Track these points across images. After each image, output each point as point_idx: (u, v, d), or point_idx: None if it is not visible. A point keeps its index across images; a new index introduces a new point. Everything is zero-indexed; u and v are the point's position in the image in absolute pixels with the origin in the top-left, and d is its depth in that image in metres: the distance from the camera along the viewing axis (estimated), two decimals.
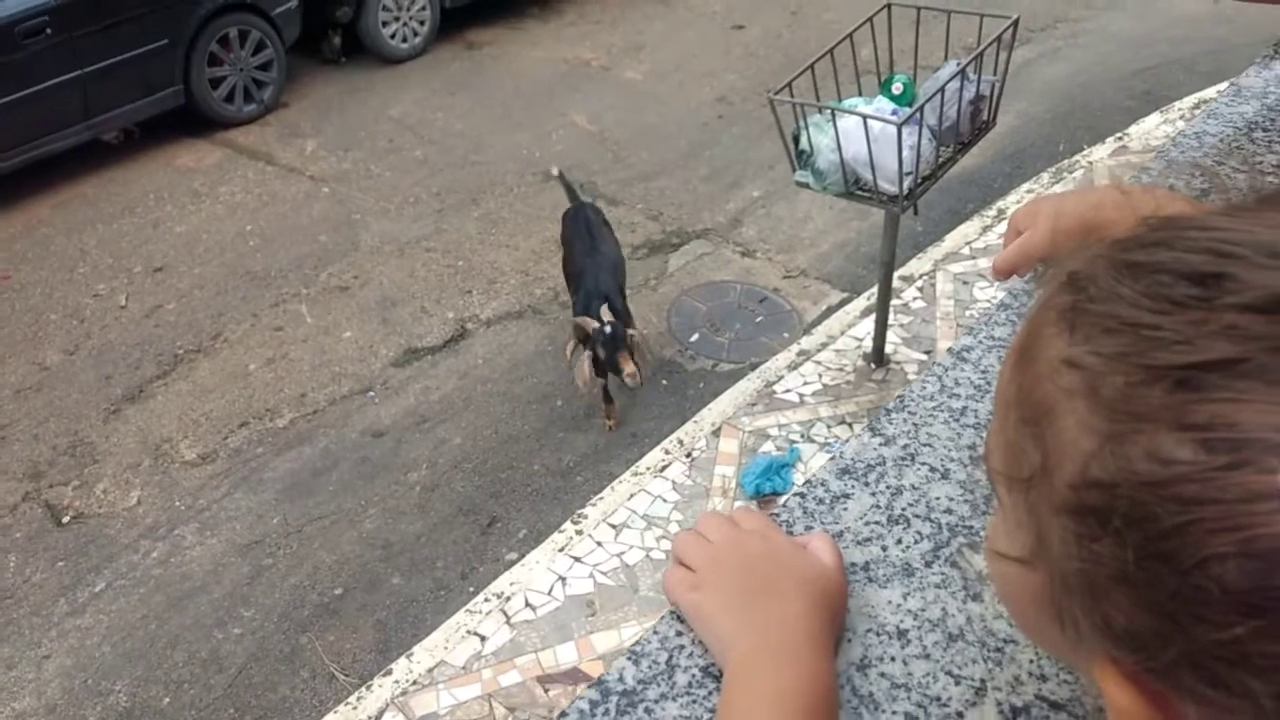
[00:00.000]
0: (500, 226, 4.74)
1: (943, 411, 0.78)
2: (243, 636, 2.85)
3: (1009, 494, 0.39)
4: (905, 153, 2.58)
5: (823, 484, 0.74)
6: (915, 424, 0.78)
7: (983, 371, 0.83)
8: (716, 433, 3.18)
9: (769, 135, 4.60)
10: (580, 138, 5.55)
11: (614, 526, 2.94)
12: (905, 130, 2.54)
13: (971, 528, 0.69)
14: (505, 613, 2.70)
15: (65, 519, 3.30)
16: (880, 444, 0.77)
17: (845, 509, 0.72)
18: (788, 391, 3.31)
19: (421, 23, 6.78)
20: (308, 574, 3.02)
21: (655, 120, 5.64)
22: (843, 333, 3.57)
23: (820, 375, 3.37)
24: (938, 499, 0.71)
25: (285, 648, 2.80)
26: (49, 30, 5.04)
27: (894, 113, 2.63)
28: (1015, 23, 2.68)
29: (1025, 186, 4.30)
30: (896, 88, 2.69)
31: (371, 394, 3.75)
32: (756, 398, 3.31)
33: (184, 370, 3.96)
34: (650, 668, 0.62)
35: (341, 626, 2.85)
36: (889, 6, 2.79)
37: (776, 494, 2.94)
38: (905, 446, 0.76)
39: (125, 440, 3.63)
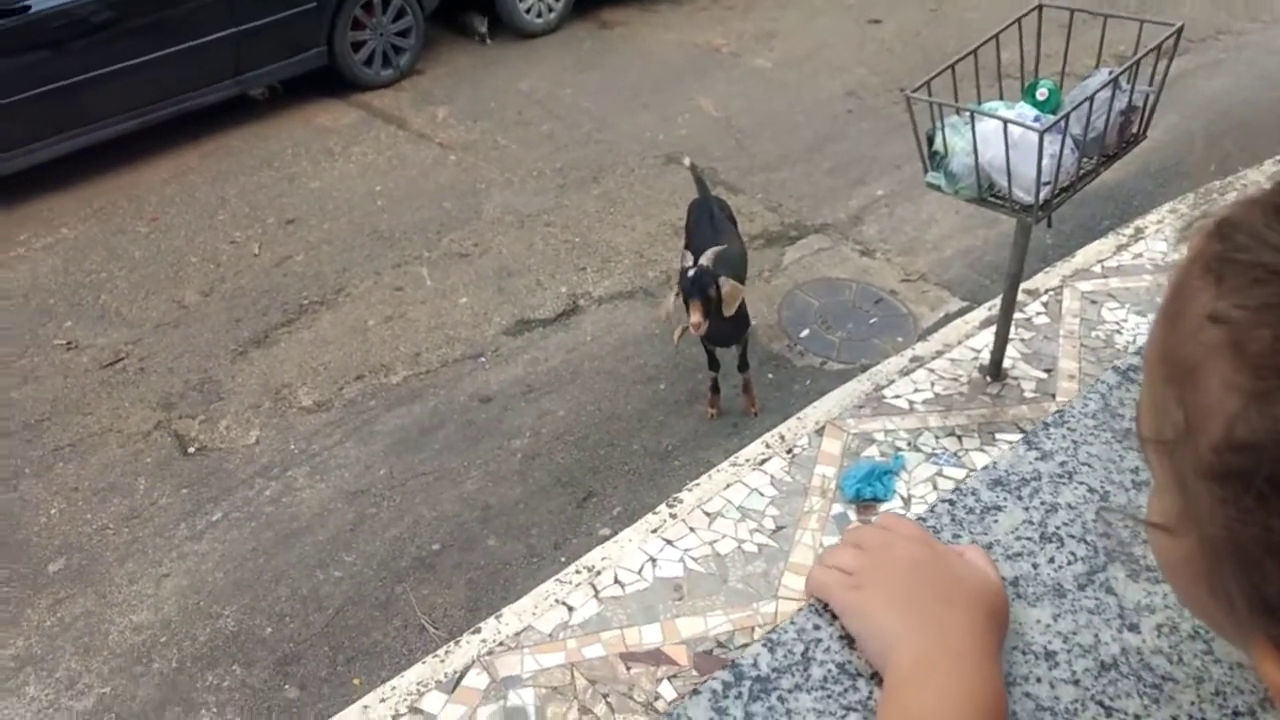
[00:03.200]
0: (619, 206, 4.78)
1: (1105, 431, 0.75)
2: (342, 580, 2.97)
3: (1155, 459, 0.37)
4: (1045, 161, 2.49)
5: (973, 493, 0.72)
6: (1075, 441, 0.75)
7: None
8: (820, 431, 3.15)
9: (898, 133, 4.52)
10: (705, 123, 5.54)
11: (708, 514, 2.94)
12: (1047, 138, 2.45)
13: (1132, 554, 0.66)
14: (594, 586, 2.74)
15: (191, 450, 3.49)
16: (1036, 458, 0.74)
17: (996, 521, 0.70)
18: (897, 397, 3.25)
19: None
20: (408, 527, 3.12)
21: (782, 110, 5.58)
22: (959, 342, 3.48)
23: (932, 383, 3.30)
24: (1095, 521, 0.69)
25: (381, 595, 2.91)
26: None
27: (1036, 119, 2.54)
28: (1179, 31, 2.55)
29: (1167, 206, 4.10)
30: (1041, 93, 2.60)
31: (482, 359, 3.84)
32: (864, 400, 3.26)
33: (307, 320, 4.13)
34: (785, 657, 0.62)
35: (435, 581, 2.94)
36: (1040, 8, 2.69)
37: (877, 500, 2.90)
38: (1063, 464, 0.73)
39: (249, 381, 3.81)
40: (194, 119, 5.60)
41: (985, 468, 0.74)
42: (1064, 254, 3.85)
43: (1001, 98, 2.77)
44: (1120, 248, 3.81)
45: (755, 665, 0.62)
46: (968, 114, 2.59)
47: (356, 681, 2.66)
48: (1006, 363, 3.25)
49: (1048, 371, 3.26)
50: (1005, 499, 0.71)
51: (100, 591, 2.96)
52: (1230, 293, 0.32)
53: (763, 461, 3.08)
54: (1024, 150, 2.49)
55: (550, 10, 6.86)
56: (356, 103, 6.08)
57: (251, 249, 4.65)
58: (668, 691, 2.46)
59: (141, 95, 5.29)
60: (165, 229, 4.88)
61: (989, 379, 3.24)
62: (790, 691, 0.60)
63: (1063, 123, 2.49)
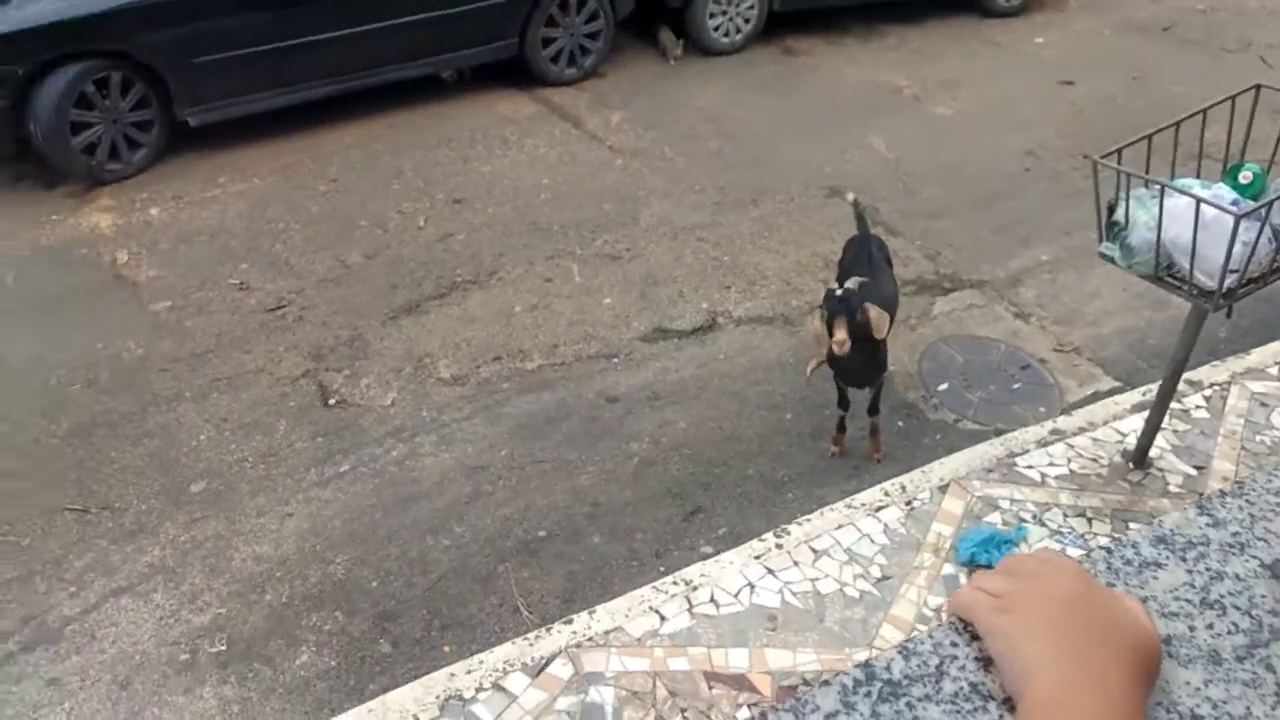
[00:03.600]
0: (774, 232, 4.77)
1: None
2: (450, 549, 3.07)
3: None
4: (1237, 248, 2.34)
5: (1133, 546, 0.70)
6: (1253, 515, 0.72)
7: None
8: (944, 488, 3.05)
9: (1074, 199, 4.36)
10: (874, 162, 5.47)
11: (815, 551, 2.90)
12: (1244, 223, 2.30)
13: None
14: (689, 600, 2.74)
15: (331, 401, 3.68)
16: (1207, 524, 0.71)
17: (1155, 578, 0.68)
18: (1030, 468, 3.12)
19: (747, 20, 6.92)
20: (519, 509, 3.20)
21: (955, 160, 5.45)
22: (1105, 423, 3.31)
23: (1069, 460, 3.15)
24: (1263, 596, 0.66)
25: (483, 570, 2.99)
26: None
27: (1234, 203, 2.40)
28: None
29: None
30: (1245, 176, 2.45)
31: (615, 360, 3.90)
32: (995, 464, 3.14)
33: (458, 297, 4.30)
34: (919, 667, 0.62)
35: (536, 566, 3.00)
36: (1258, 88, 2.54)
37: (991, 567, 2.79)
38: (1236, 534, 0.70)
39: (395, 346, 3.99)
40: (384, 92, 5.92)
41: (1150, 524, 0.72)
42: (1236, 350, 3.61)
43: (1199, 177, 2.63)
44: None
45: (889, 669, 0.62)
46: (1157, 187, 2.47)
47: (447, 649, 2.75)
48: (1154, 452, 3.07)
49: (1199, 469, 3.06)
50: (1168, 558, 0.69)
51: (231, 519, 3.16)
52: None
53: (879, 509, 3.01)
54: (1215, 233, 2.35)
55: (739, 31, 6.92)
56: (537, 96, 6.29)
57: (417, 221, 4.87)
58: (744, 717, 2.43)
59: (342, 64, 5.64)
60: (342, 191, 5.17)
61: (1132, 465, 3.07)
62: (920, 700, 0.60)
63: (1264, 210, 2.34)
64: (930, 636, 0.64)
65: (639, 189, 5.17)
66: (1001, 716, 0.59)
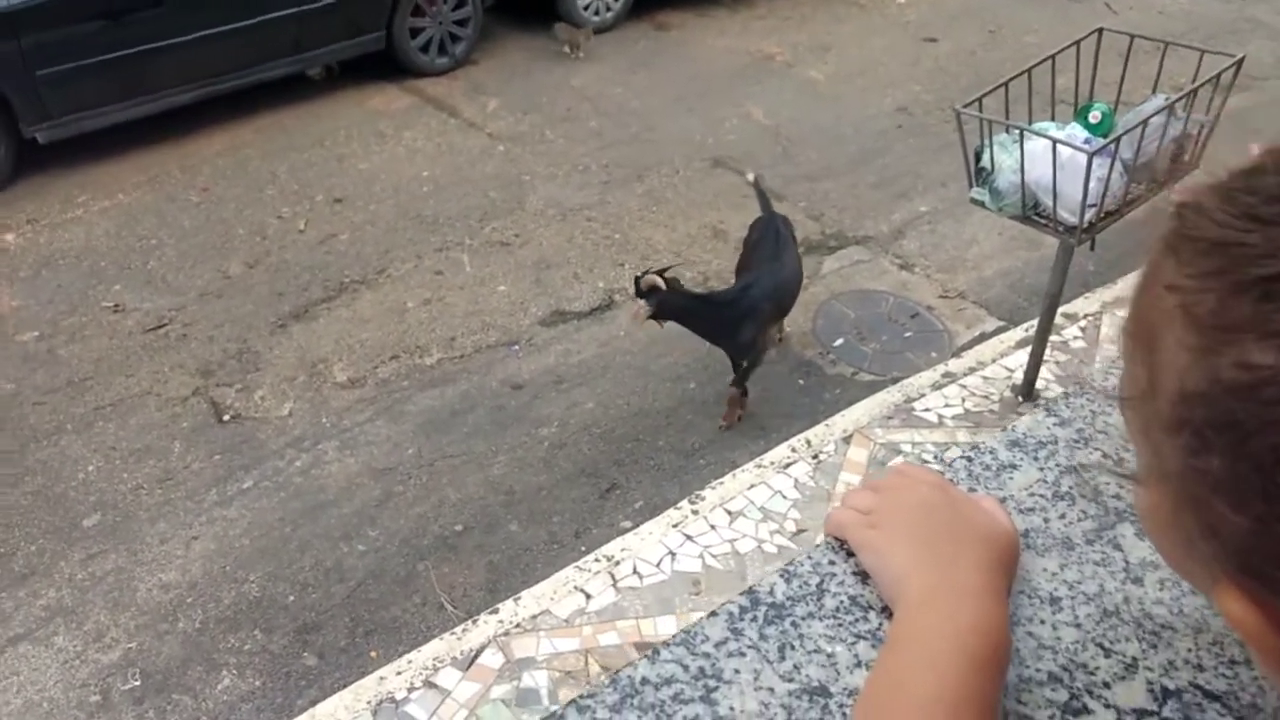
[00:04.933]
0: (662, 206, 4.80)
1: None
2: (365, 553, 3.02)
3: (1129, 417, 0.41)
4: (1092, 184, 2.48)
5: (991, 451, 0.75)
6: (1094, 411, 0.78)
7: None
8: (847, 439, 3.15)
9: (946, 151, 4.50)
10: (753, 130, 5.55)
11: (730, 513, 2.95)
12: (1096, 160, 2.44)
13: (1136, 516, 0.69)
14: (613, 575, 2.76)
15: (226, 417, 3.56)
16: (1054, 424, 0.77)
17: (1011, 478, 0.72)
18: (927, 410, 3.24)
19: None
20: (433, 506, 3.16)
21: (831, 122, 5.58)
22: (994, 360, 3.46)
23: (964, 399, 3.28)
24: (1107, 484, 0.71)
25: (402, 571, 2.95)
26: None
27: (1087, 141, 2.53)
28: (1239, 62, 2.52)
29: None
30: (1094, 116, 2.58)
31: (516, 348, 3.88)
32: (894, 411, 3.25)
33: (347, 298, 4.20)
34: (800, 587, 0.65)
35: (456, 561, 2.98)
36: (1100, 31, 2.68)
37: None
38: (1080, 430, 0.76)
39: (286, 354, 3.88)
40: (250, 94, 5.70)
41: (1004, 429, 0.77)
42: (1106, 280, 3.82)
43: (1054, 119, 2.76)
44: None
45: (771, 593, 0.65)
46: (1017, 131, 2.58)
47: (374, 654, 2.71)
48: (1040, 384, 3.23)
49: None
50: (1021, 459, 0.74)
51: (131, 549, 3.03)
52: (1183, 264, 0.36)
53: (787, 465, 3.09)
54: (1071, 171, 2.48)
55: (608, 9, 6.91)
56: (410, 88, 6.15)
57: (298, 225, 4.73)
58: None
59: (201, 68, 5.40)
60: (216, 200, 4.97)
61: (1021, 399, 3.23)
62: (804, 619, 0.63)
63: (1113, 146, 2.47)
64: (809, 558, 0.67)
65: (522, 174, 5.13)
66: (881, 624, 0.63)
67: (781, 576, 0.66)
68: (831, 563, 0.66)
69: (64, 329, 4.03)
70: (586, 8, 6.79)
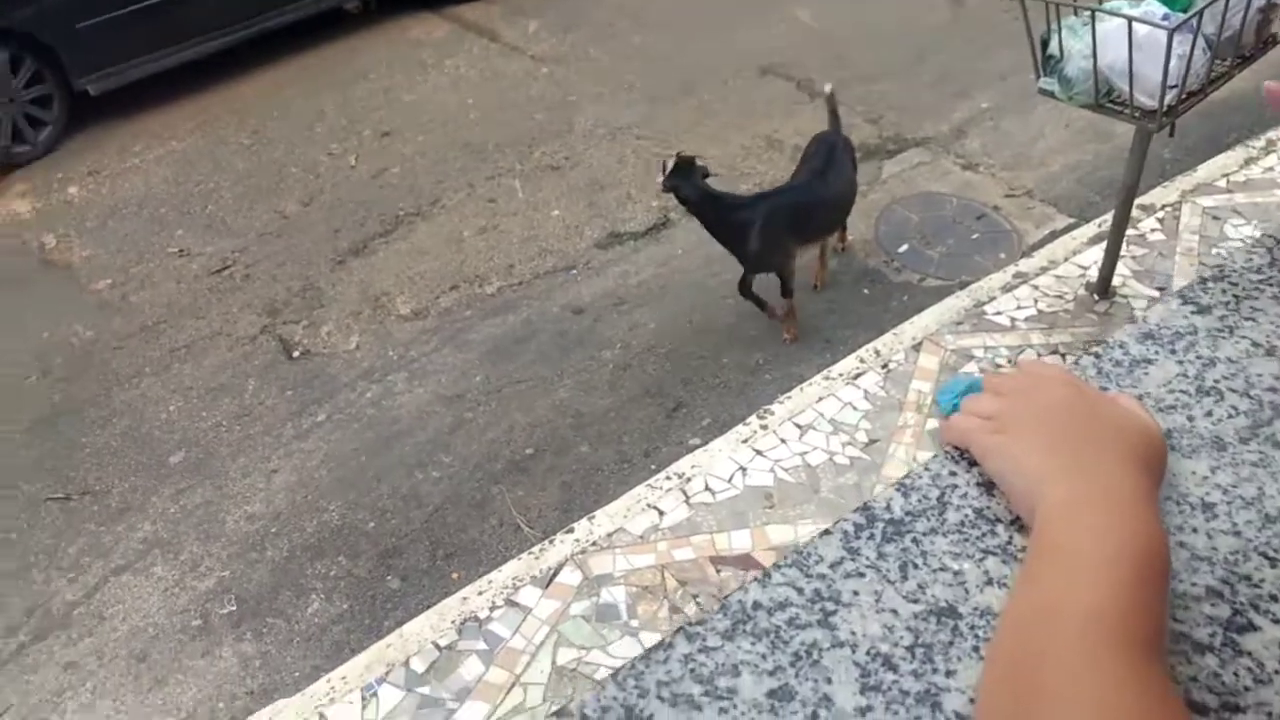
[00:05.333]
0: (713, 118, 4.69)
1: (1273, 286, 0.70)
2: (440, 480, 3.07)
3: None
4: (1173, 63, 2.33)
5: (1121, 346, 0.68)
6: (1237, 296, 0.70)
7: None
8: (917, 347, 3.09)
9: (1005, 43, 4.31)
10: (801, 33, 5.37)
11: (800, 426, 2.93)
12: (1177, 37, 2.29)
13: None
14: (685, 492, 2.77)
15: (295, 354, 3.62)
16: (1192, 312, 0.70)
17: (1146, 374, 0.66)
18: (999, 314, 3.16)
19: None
20: (504, 431, 3.19)
21: (882, 20, 5.37)
22: (1066, 259, 3.34)
23: (1036, 301, 3.19)
24: (1260, 375, 0.64)
25: (477, 495, 3.00)
26: None
27: (1165, 17, 2.38)
28: None
29: None
30: None
31: (574, 272, 3.86)
32: (964, 316, 3.17)
33: (404, 231, 4.20)
34: (920, 502, 0.61)
35: (530, 483, 3.02)
36: None
37: None
38: (1223, 318, 0.69)
39: (348, 290, 3.91)
40: (289, 33, 5.67)
41: (1135, 321, 0.71)
42: (1185, 168, 3.65)
43: None
44: (1249, 161, 3.59)
45: (889, 509, 0.61)
46: (1087, 13, 2.44)
47: (455, 576, 2.77)
48: (1116, 280, 3.12)
49: (1160, 290, 3.12)
50: (1157, 352, 0.68)
51: (217, 483, 3.12)
52: None
53: (856, 376, 3.04)
54: (1150, 51, 2.34)
55: None
56: (449, 15, 6.06)
57: (349, 160, 4.73)
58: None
59: (239, 11, 5.37)
60: (266, 141, 4.99)
61: (1097, 297, 3.12)
62: (925, 535, 0.59)
63: (1195, 20, 2.32)
64: (927, 469, 0.62)
65: (568, 95, 5.04)
66: (1012, 538, 0.58)
67: (899, 490, 0.62)
68: (953, 474, 0.61)
69: (134, 276, 4.11)
70: None
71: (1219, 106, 3.52)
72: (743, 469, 2.85)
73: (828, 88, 3.46)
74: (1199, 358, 0.67)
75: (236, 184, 4.66)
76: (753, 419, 2.99)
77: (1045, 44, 2.63)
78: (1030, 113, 4.21)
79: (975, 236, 3.73)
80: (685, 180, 3.18)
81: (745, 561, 2.61)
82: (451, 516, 2.95)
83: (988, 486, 0.60)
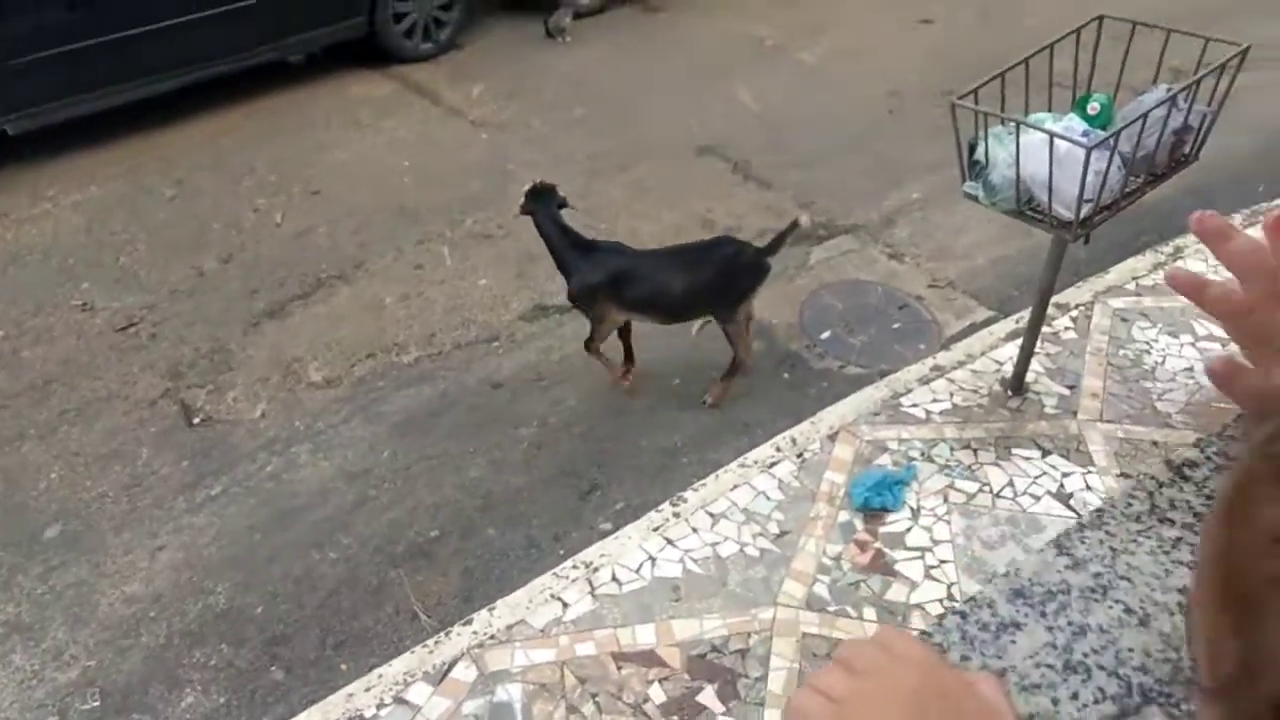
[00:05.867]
0: (647, 195, 4.69)
1: (1150, 539, 0.65)
2: (337, 562, 2.93)
3: (1204, 696, 0.30)
4: (1090, 178, 2.37)
5: (989, 606, 0.63)
6: (1114, 549, 0.65)
7: (1208, 496, 0.68)
8: (833, 437, 3.06)
9: (939, 137, 4.36)
10: (743, 116, 5.43)
11: (712, 515, 2.87)
12: (1094, 154, 2.33)
13: (1170, 695, 0.57)
14: (591, 582, 2.68)
15: (196, 420, 3.46)
16: (1066, 566, 0.65)
17: (1013, 642, 0.61)
18: (915, 406, 3.15)
19: None
20: (408, 511, 3.07)
21: (822, 107, 5.46)
22: (983, 353, 3.36)
23: (952, 394, 3.19)
24: (1130, 651, 0.59)
25: (375, 580, 2.86)
26: None
27: (1085, 134, 2.42)
28: (1244, 52, 2.41)
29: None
30: (1093, 108, 2.48)
31: (496, 344, 3.78)
32: (881, 407, 3.16)
33: (324, 294, 4.09)
34: None
35: (431, 568, 2.89)
36: (1101, 19, 2.56)
37: (885, 510, 2.81)
38: (1097, 576, 0.64)
39: (260, 353, 3.78)
40: (229, 82, 5.58)
41: (1006, 574, 0.64)
42: (1098, 269, 3.72)
43: (1050, 109, 2.64)
44: (1157, 266, 3.67)
45: None
46: (1013, 124, 2.47)
47: (344, 667, 2.62)
48: (1030, 377, 3.14)
49: (1070, 388, 3.14)
50: (1026, 615, 0.62)
51: (94, 560, 2.94)
52: None
53: (772, 465, 3.00)
54: (1068, 166, 2.37)
55: None
56: (393, 74, 6.04)
57: (274, 218, 4.62)
58: (657, 694, 2.39)
59: (178, 56, 5.28)
60: (191, 192, 4.86)
61: (1010, 393, 3.13)
62: None
63: (1112, 140, 2.36)
64: None
65: (506, 163, 5.01)
66: None
67: None
68: None
69: (29, 330, 3.93)
70: None
71: (1131, 213, 3.61)
72: (652, 559, 2.77)
73: (804, 218, 3.23)
74: (1069, 624, 0.62)
75: (153, 236, 4.51)
76: (665, 506, 2.92)
77: (972, 149, 2.67)
78: (956, 206, 4.24)
79: (897, 326, 3.74)
80: (542, 207, 3.33)
81: (648, 658, 2.52)
82: (346, 602, 2.81)
83: None
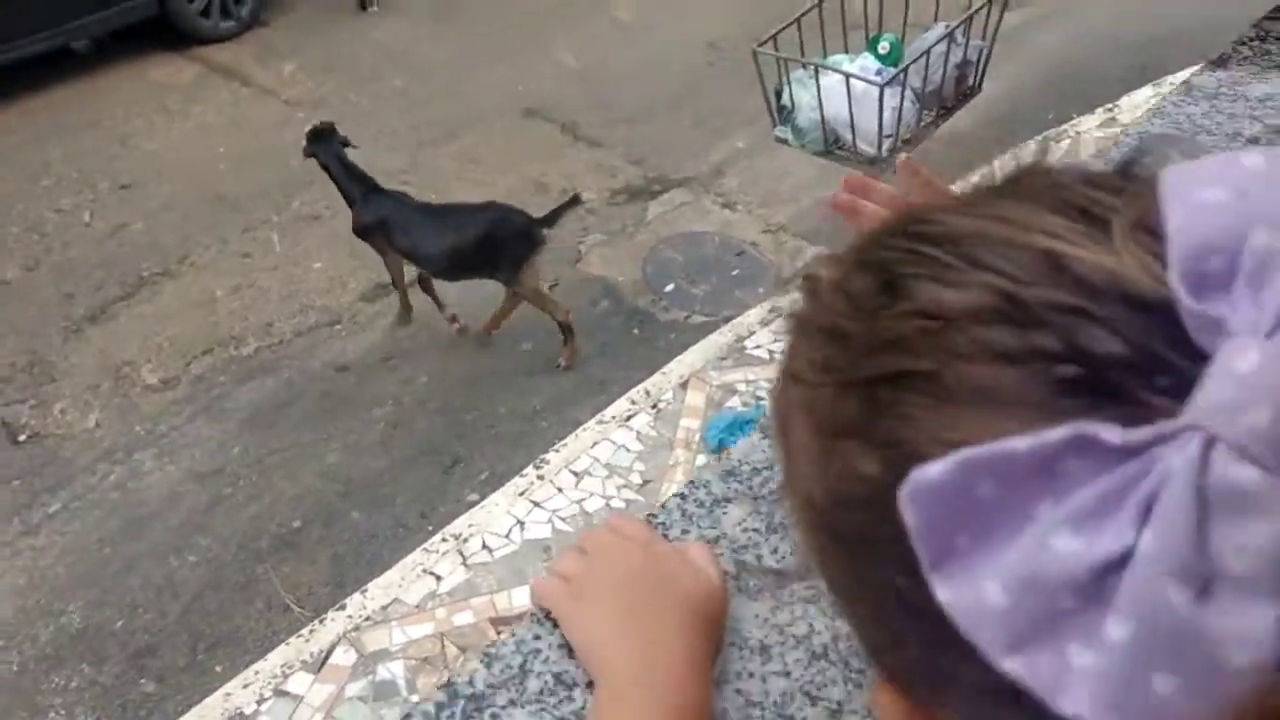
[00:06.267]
0: (478, 163, 4.66)
1: None
2: (198, 564, 2.85)
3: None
4: (886, 115, 2.55)
5: (705, 486, 0.72)
6: None
7: None
8: (684, 385, 3.18)
9: (758, 85, 4.54)
10: (565, 75, 5.44)
11: (576, 473, 2.94)
12: (888, 92, 2.50)
13: None
14: (462, 553, 2.71)
15: (21, 438, 3.26)
16: (770, 446, 0.74)
17: (725, 513, 0.70)
18: (758, 347, 3.30)
19: None
20: (267, 505, 3.01)
21: (643, 62, 5.53)
22: None
23: None
24: None
25: (241, 578, 2.80)
26: None
27: (878, 73, 2.59)
28: None
29: (1009, 154, 4.26)
30: (883, 47, 2.65)
31: (339, 327, 3.71)
32: (727, 352, 3.30)
33: (148, 293, 3.90)
34: (503, 672, 0.61)
35: (298, 559, 2.85)
36: None
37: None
38: None
39: (85, 361, 3.57)
40: (10, 74, 5.14)
41: (721, 457, 0.75)
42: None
43: (846, 51, 2.81)
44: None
45: (471, 683, 0.61)
46: (812, 68, 2.62)
47: (219, 669, 2.57)
48: None
49: None
50: (736, 490, 0.72)
51: None
52: (806, 350, 0.31)
53: (629, 418, 3.09)
54: (866, 104, 2.54)
55: None
56: (195, 57, 5.71)
57: (82, 217, 4.34)
58: None
59: None
60: None
61: None
62: (504, 707, 0.59)
63: (902, 76, 2.54)
64: (514, 635, 0.64)
65: None
66: (585, 703, 0.59)
67: (482, 661, 0.62)
68: (537, 638, 0.63)
69: None
70: None
71: (938, 144, 3.86)
72: (520, 523, 2.82)
73: (586, 195, 3.39)
74: (771, 494, 0.72)
75: None
76: (529, 470, 2.97)
77: (779, 95, 2.80)
78: (779, 152, 4.43)
79: (736, 273, 3.90)
80: (324, 148, 3.43)
81: (527, 620, 2.58)
82: (212, 604, 2.74)
83: (568, 648, 0.62)
